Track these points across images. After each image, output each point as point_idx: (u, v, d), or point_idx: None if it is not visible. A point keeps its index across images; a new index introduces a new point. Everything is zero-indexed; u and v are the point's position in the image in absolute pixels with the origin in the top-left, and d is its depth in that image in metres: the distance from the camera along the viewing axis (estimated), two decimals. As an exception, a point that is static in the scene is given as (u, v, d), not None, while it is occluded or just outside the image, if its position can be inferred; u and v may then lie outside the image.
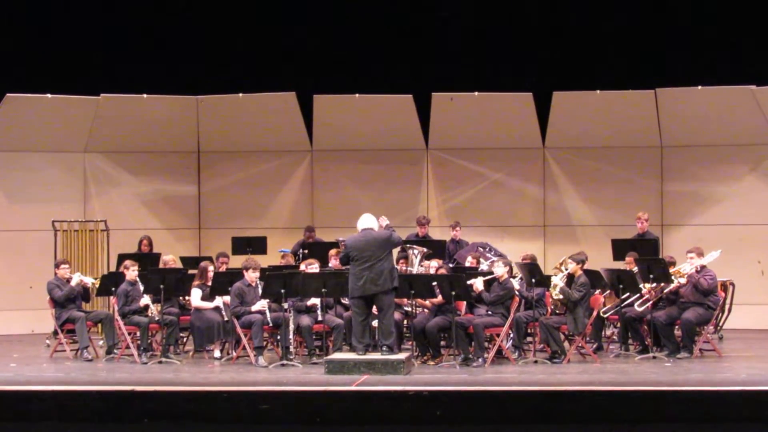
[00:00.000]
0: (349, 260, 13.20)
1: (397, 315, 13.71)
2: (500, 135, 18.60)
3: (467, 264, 15.42)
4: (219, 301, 14.51)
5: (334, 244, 15.77)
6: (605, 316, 14.68)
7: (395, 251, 14.21)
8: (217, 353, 14.60)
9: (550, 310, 14.22)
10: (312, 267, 14.36)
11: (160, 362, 14.03)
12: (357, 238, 13.28)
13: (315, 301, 14.11)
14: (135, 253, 16.68)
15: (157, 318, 14.37)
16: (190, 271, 14.98)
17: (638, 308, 14.20)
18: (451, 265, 15.49)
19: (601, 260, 15.73)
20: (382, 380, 12.30)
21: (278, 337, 14.05)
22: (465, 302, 13.96)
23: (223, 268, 15.48)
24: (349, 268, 13.22)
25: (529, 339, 14.41)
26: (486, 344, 13.86)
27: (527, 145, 18.61)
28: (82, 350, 14.51)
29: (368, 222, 13.43)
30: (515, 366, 13.65)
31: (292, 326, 13.91)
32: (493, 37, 18.51)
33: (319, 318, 14.10)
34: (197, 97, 18.60)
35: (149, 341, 14.50)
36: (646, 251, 15.56)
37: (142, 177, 18.89)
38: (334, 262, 15.05)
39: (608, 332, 15.48)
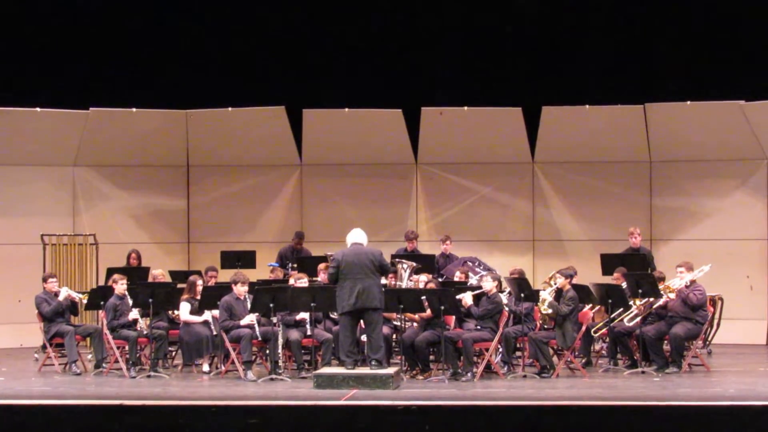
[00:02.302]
0: (338, 276, 13.17)
1: (386, 329, 13.69)
2: (489, 150, 18.61)
3: (456, 278, 15.42)
4: (208, 315, 14.48)
5: (323, 258, 15.75)
6: (596, 335, 14.67)
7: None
8: (205, 367, 14.57)
9: (538, 325, 14.22)
10: (301, 281, 14.38)
11: (149, 376, 14.01)
12: (347, 252, 13.27)
13: (304, 315, 14.09)
14: (124, 267, 16.66)
15: (145, 332, 14.34)
16: (179, 285, 14.96)
17: (628, 323, 14.21)
18: (440, 280, 15.50)
19: (590, 275, 15.73)
20: (371, 395, 12.28)
21: (267, 352, 14.03)
22: (454, 317, 13.96)
23: (212, 282, 15.44)
24: (339, 283, 13.19)
25: (518, 353, 14.41)
26: (475, 359, 13.86)
27: (516, 160, 18.62)
28: (71, 364, 14.48)
29: (358, 237, 13.42)
30: (504, 380, 13.66)
31: (281, 340, 13.88)
32: (483, 51, 18.53)
33: (308, 332, 14.07)
34: (186, 111, 18.58)
35: (138, 355, 14.48)
36: (635, 266, 15.57)
37: (131, 191, 18.85)
38: (323, 276, 15.01)
39: (597, 347, 15.49)
